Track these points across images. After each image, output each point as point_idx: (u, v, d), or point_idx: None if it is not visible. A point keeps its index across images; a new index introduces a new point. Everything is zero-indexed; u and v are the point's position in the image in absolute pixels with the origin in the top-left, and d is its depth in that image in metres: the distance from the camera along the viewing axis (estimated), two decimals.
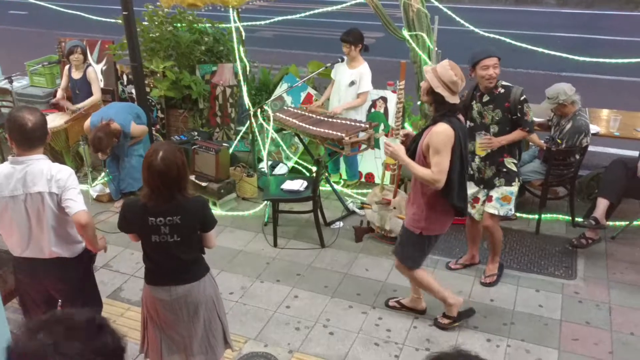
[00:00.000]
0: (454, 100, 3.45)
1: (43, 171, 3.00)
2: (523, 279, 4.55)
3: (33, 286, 3.29)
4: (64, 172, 3.06)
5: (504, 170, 4.24)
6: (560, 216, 5.36)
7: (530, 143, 5.38)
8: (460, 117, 3.60)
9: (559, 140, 4.90)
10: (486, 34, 5.66)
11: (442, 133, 3.42)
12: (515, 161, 4.26)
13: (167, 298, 2.98)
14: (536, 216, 5.20)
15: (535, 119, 5.40)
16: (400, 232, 3.92)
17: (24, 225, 3.07)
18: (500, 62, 4.11)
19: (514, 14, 14.73)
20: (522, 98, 4.08)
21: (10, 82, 6.08)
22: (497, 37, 5.53)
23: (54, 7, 7.52)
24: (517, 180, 4.30)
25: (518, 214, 5.37)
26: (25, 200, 3.01)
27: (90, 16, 7.28)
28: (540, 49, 5.49)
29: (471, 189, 4.35)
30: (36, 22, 12.75)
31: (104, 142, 5.11)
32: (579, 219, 5.07)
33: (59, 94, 6.30)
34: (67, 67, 6.21)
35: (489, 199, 4.32)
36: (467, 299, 4.33)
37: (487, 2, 16.34)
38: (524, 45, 5.09)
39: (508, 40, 5.46)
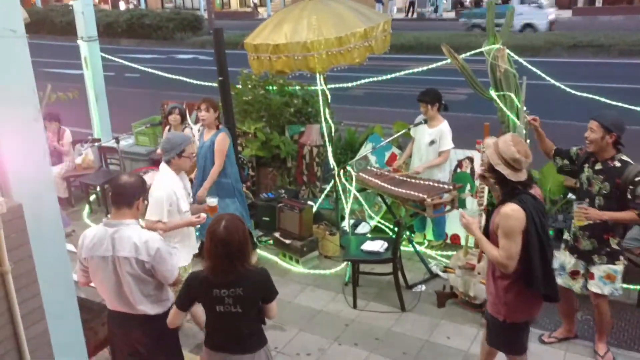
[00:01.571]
0: (518, 177, 3.19)
1: (132, 238, 3.19)
2: (621, 357, 4.18)
3: (122, 338, 3.48)
4: (154, 242, 3.23)
5: (607, 249, 3.95)
6: None
7: None
8: (536, 191, 3.35)
9: None
10: (577, 91, 5.45)
11: (511, 216, 3.16)
12: (620, 240, 3.97)
13: None
14: (638, 287, 4.80)
15: None
16: (485, 315, 3.63)
17: (113, 284, 3.28)
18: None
19: (618, 67, 14.08)
20: (636, 179, 3.73)
21: (117, 142, 6.62)
22: (588, 95, 5.31)
23: (157, 72, 8.18)
24: (622, 258, 3.99)
25: None
26: (113, 262, 3.22)
27: (190, 80, 7.83)
28: (637, 108, 5.21)
29: (567, 258, 4.14)
30: (147, 84, 13.88)
31: (207, 102, 5.32)
32: None
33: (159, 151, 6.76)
34: (167, 128, 6.67)
35: (590, 275, 4.04)
36: None
37: (588, 55, 15.79)
38: (616, 103, 4.84)
39: (601, 98, 5.23)
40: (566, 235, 4.22)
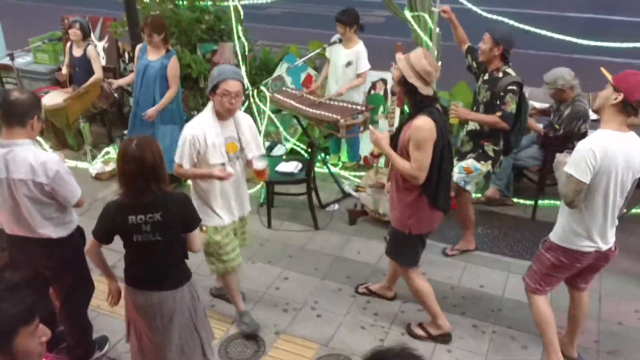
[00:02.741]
0: (427, 91, 3.29)
1: (27, 159, 2.99)
2: (514, 266, 4.52)
3: (25, 263, 3.34)
4: (53, 163, 3.05)
5: (481, 151, 4.28)
6: (559, 202, 5.27)
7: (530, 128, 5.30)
8: (439, 107, 3.47)
9: (557, 126, 4.83)
10: (488, 15, 5.52)
11: (422, 128, 3.25)
12: (497, 148, 4.24)
13: (143, 303, 2.94)
14: (533, 202, 5.15)
15: (537, 104, 5.34)
16: (389, 231, 3.77)
17: (10, 207, 3.11)
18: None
19: None
20: (508, 87, 4.00)
21: (12, 59, 6.10)
22: (499, 18, 5.39)
23: None
24: (488, 163, 4.29)
25: (515, 200, 5.33)
26: (9, 185, 3.04)
27: None
28: (544, 32, 5.36)
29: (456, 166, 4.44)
30: None
31: (149, 26, 5.05)
32: None
33: (64, 70, 6.30)
34: (68, 44, 6.20)
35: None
36: (456, 285, 4.33)
37: None
38: (524, 26, 4.98)
39: (511, 22, 5.33)
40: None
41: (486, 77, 4.18)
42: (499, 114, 4.02)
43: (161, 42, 5.16)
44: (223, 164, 3.48)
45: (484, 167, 4.28)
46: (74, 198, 3.18)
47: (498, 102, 4.03)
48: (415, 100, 3.33)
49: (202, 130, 3.41)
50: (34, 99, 3.14)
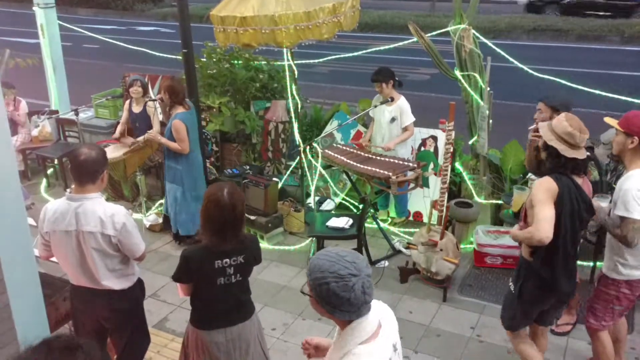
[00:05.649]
0: (573, 154, 3.09)
1: (96, 212, 3.11)
2: (575, 330, 4.36)
3: (86, 313, 3.42)
4: (120, 216, 3.16)
5: None
6: None
7: None
8: (586, 184, 3.25)
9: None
10: (539, 74, 5.57)
11: (540, 185, 3.10)
12: None
13: (223, 340, 3.03)
14: (591, 263, 4.98)
15: None
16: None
17: (77, 259, 3.21)
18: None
19: (575, 52, 14.41)
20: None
21: (76, 114, 6.42)
22: (550, 77, 5.43)
23: (119, 43, 7.93)
24: None
25: None
26: (77, 237, 3.14)
27: (153, 52, 7.64)
28: (596, 91, 5.36)
29: None
30: (106, 56, 13.46)
31: (161, 89, 5.31)
32: None
33: (119, 128, 6.54)
34: (128, 101, 6.50)
35: None
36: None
37: (547, 39, 16.08)
38: (577, 86, 4.99)
39: (563, 81, 5.36)
40: None
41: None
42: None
43: (169, 102, 5.23)
44: None
45: None
46: (139, 251, 3.26)
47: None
48: (557, 164, 3.16)
49: None
50: (102, 154, 3.27)
